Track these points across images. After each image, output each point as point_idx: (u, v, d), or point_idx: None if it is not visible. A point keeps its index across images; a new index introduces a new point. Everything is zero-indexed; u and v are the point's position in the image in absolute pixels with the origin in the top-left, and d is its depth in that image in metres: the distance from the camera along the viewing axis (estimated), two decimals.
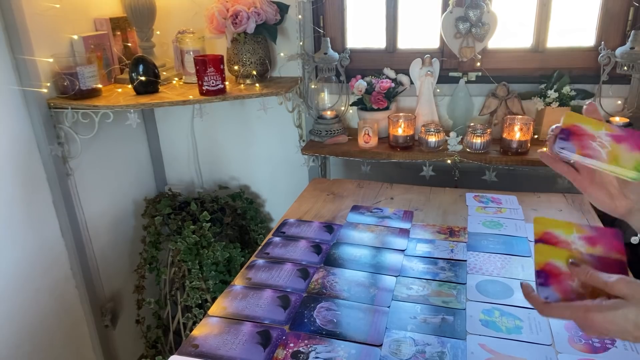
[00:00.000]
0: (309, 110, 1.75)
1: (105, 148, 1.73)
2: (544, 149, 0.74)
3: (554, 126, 0.71)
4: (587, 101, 0.59)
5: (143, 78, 1.47)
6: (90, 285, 1.65)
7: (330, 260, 1.07)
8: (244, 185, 2.04)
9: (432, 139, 1.56)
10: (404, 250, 1.10)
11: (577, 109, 1.56)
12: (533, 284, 0.65)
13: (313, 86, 1.73)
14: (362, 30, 1.76)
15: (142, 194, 1.95)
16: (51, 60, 1.42)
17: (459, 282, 0.97)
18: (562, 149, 0.68)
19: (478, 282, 0.98)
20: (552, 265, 0.65)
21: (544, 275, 0.66)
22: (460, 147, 1.56)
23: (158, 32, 1.69)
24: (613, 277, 0.59)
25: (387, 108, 1.66)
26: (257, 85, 1.60)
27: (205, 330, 0.87)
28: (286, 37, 1.71)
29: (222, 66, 1.45)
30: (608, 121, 1.50)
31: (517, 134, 1.50)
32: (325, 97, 1.79)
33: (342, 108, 1.77)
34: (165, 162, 2.06)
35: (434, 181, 1.58)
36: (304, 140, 1.82)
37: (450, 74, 1.66)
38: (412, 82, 1.67)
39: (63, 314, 1.58)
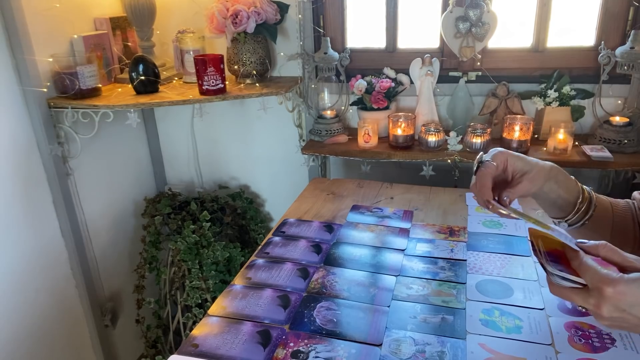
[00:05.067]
0: (309, 110, 1.75)
1: (105, 148, 1.73)
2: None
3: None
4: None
5: (143, 78, 1.47)
6: (90, 285, 1.65)
7: (330, 260, 1.07)
8: (244, 185, 2.04)
9: (432, 139, 1.56)
10: (403, 250, 1.10)
11: (577, 109, 1.56)
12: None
13: (313, 86, 1.73)
14: (362, 30, 1.76)
15: (142, 193, 1.95)
16: (51, 60, 1.42)
17: (459, 282, 0.97)
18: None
19: (478, 281, 0.97)
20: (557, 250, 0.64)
21: (554, 256, 0.64)
22: (460, 147, 1.56)
23: (158, 32, 1.69)
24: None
25: (387, 108, 1.66)
26: (257, 84, 1.60)
27: (205, 330, 0.87)
28: (286, 37, 1.71)
29: (222, 66, 1.45)
30: (607, 121, 1.51)
31: (517, 133, 1.50)
32: (325, 97, 1.79)
33: (342, 107, 1.77)
34: (165, 161, 2.06)
35: (434, 181, 1.58)
36: (304, 140, 1.82)
37: (450, 73, 1.66)
38: (412, 82, 1.67)
39: (63, 314, 1.58)
